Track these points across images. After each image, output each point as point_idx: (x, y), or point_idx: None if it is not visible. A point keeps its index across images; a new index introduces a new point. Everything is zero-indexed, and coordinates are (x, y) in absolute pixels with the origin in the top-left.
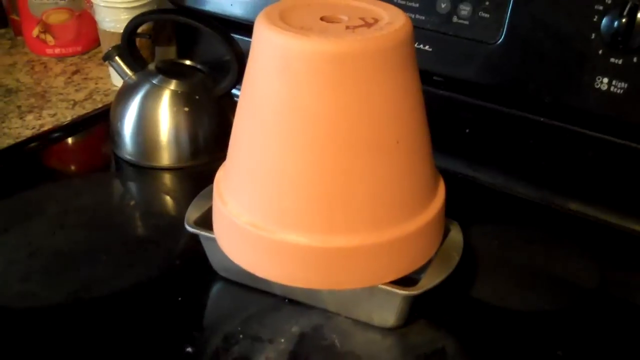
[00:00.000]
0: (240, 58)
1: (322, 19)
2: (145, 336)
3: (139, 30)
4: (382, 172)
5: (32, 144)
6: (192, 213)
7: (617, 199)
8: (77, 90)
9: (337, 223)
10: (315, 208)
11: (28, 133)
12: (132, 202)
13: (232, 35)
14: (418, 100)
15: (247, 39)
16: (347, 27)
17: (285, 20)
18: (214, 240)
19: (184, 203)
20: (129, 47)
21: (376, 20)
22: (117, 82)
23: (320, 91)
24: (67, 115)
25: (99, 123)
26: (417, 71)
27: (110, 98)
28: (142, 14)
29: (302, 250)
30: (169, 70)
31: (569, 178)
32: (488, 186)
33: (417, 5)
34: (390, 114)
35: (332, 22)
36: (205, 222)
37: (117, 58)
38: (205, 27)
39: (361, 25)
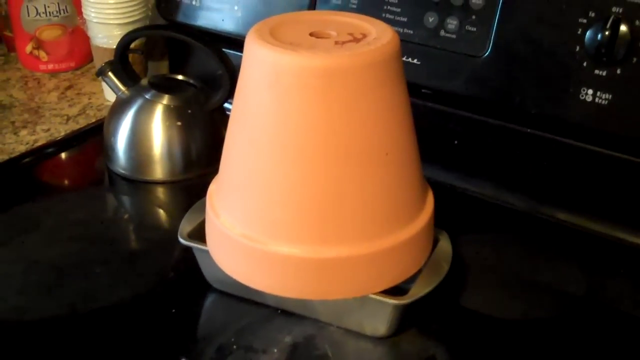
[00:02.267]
0: (232, 73)
1: (311, 34)
2: (141, 347)
3: (132, 45)
4: (372, 183)
5: (27, 159)
6: (186, 226)
7: (602, 208)
8: (70, 106)
9: (328, 234)
10: (307, 219)
11: (22, 148)
12: (126, 216)
13: (224, 50)
14: (406, 113)
15: (238, 53)
16: (336, 43)
17: (275, 36)
18: (207, 252)
19: (177, 216)
20: (121, 63)
21: (364, 36)
22: (110, 97)
23: (310, 105)
24: (61, 131)
25: (93, 138)
26: (405, 84)
27: (104, 113)
28: (135, 30)
29: (294, 261)
30: (162, 85)
31: (556, 188)
32: (476, 196)
33: (405, 19)
34: (379, 127)
35: (321, 37)
36: (199, 234)
37: (110, 73)
38: (197, 42)
39: (350, 41)
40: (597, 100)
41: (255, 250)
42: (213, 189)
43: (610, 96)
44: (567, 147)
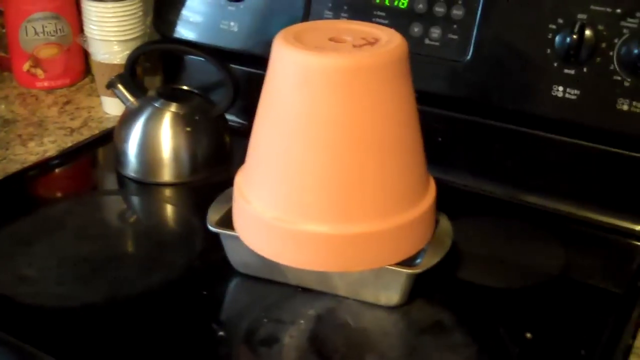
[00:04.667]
0: (236, 82)
1: (330, 39)
2: (179, 325)
3: None
4: (389, 167)
5: (40, 168)
6: (212, 215)
7: (573, 192)
8: (71, 119)
9: (352, 213)
10: (333, 201)
11: (33, 158)
12: (143, 214)
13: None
14: (414, 106)
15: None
16: (354, 46)
17: (300, 41)
18: (234, 238)
19: (191, 213)
20: (130, 75)
21: (377, 40)
22: (109, 110)
23: (336, 100)
24: (67, 142)
25: (99, 147)
26: (411, 81)
27: (105, 125)
28: (147, 44)
29: (323, 238)
30: (169, 95)
31: (531, 176)
32: (460, 187)
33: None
34: (395, 118)
35: (339, 42)
36: (224, 223)
37: (119, 85)
38: (204, 55)
39: (365, 44)
40: (566, 95)
41: (287, 230)
42: (240, 179)
43: (579, 92)
44: (540, 139)
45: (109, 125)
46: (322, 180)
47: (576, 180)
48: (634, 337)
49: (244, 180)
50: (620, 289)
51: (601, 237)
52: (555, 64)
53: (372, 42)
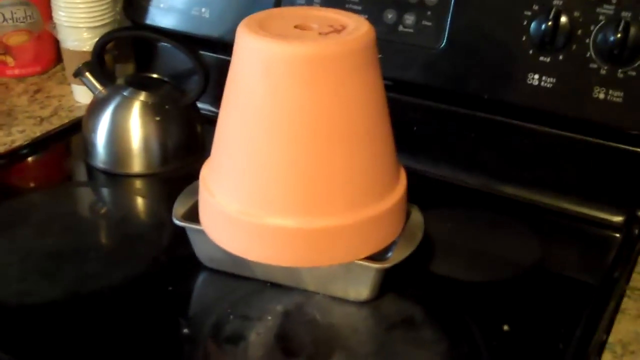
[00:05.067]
0: (207, 71)
1: (296, 27)
2: (143, 322)
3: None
4: (356, 159)
5: (7, 159)
6: (178, 209)
7: (549, 182)
8: (42, 108)
9: (318, 206)
10: (298, 194)
11: (0, 149)
12: (112, 207)
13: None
14: (382, 95)
15: (206, 53)
16: (320, 33)
17: (264, 29)
18: (201, 232)
19: (160, 205)
20: (99, 63)
21: (344, 27)
22: (80, 98)
23: (300, 89)
24: (36, 131)
25: (69, 137)
26: (379, 70)
27: (75, 114)
28: (113, 31)
29: (288, 232)
30: (138, 83)
31: (506, 166)
32: (435, 177)
33: (366, 17)
34: (361, 108)
35: (305, 29)
36: (190, 216)
37: (87, 74)
38: (173, 42)
39: (332, 32)
40: (542, 83)
41: (252, 224)
42: (205, 172)
43: (554, 80)
44: (515, 127)
45: (79, 114)
46: (287, 172)
47: (552, 170)
48: (608, 333)
49: (208, 173)
50: (596, 281)
51: (578, 228)
52: (531, 52)
53: (339, 29)
